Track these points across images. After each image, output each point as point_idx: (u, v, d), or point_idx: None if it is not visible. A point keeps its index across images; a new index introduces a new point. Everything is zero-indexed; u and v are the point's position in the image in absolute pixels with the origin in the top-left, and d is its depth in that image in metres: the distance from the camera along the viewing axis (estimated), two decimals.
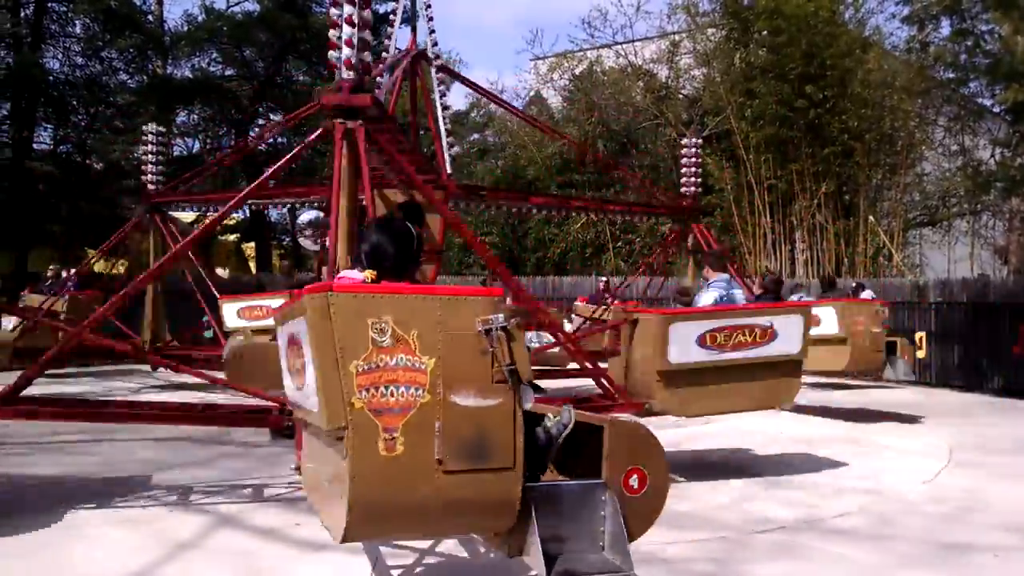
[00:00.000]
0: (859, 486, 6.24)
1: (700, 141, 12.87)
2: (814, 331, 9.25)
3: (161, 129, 13.01)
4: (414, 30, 10.27)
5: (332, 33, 6.02)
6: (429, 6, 10.39)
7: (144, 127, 13.01)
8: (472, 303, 2.98)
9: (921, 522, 5.29)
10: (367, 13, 6.03)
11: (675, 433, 8.31)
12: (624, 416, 4.67)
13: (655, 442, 3.31)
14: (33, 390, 5.71)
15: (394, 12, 10.51)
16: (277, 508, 5.36)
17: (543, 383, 10.17)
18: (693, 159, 12.38)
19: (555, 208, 13.68)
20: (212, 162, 15.53)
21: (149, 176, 12.48)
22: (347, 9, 5.95)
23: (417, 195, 9.41)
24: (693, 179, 12.31)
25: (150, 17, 23.12)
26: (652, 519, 3.35)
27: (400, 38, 10.75)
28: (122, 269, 21.67)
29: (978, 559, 4.59)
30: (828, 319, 9.34)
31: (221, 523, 5.01)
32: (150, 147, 12.57)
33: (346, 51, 5.97)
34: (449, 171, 9.83)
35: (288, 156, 7.45)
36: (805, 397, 11.63)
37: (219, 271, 23.44)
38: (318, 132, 6.45)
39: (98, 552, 4.52)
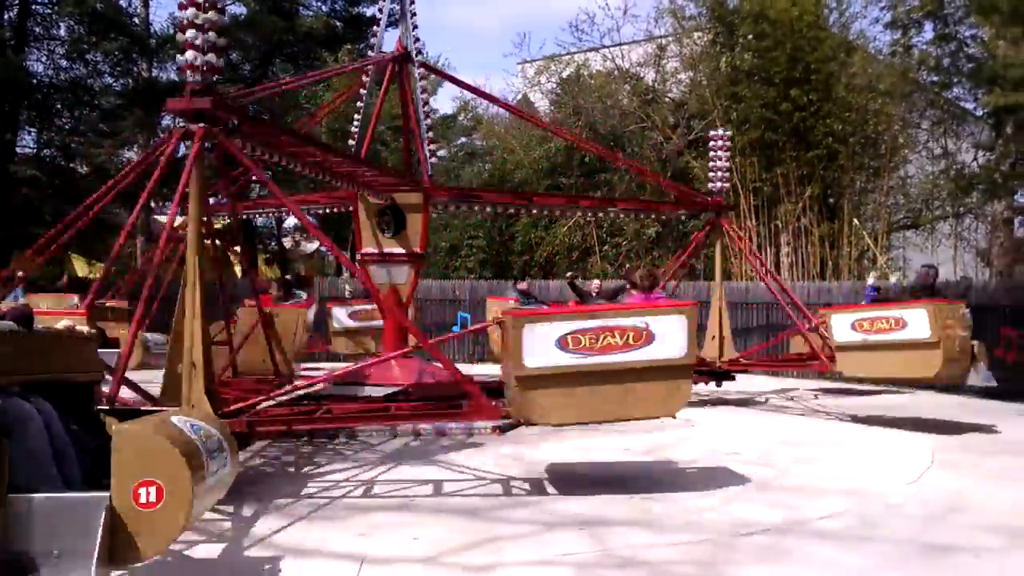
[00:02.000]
0: (843, 488, 6.27)
1: (728, 134, 12.28)
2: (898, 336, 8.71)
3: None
4: (406, 32, 10.25)
5: (179, 36, 6.03)
6: (414, 12, 10.37)
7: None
8: None
9: (905, 523, 5.31)
10: (212, 15, 6.00)
11: (657, 437, 8.33)
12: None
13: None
14: None
15: (380, 11, 10.45)
16: (261, 514, 5.34)
17: None
18: (722, 151, 11.69)
19: (560, 207, 12.63)
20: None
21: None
22: (190, 12, 5.94)
23: (398, 198, 9.44)
24: (721, 173, 11.60)
25: (135, 19, 23.01)
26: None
27: (388, 41, 10.72)
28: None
29: (961, 560, 4.62)
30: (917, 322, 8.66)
31: (203, 531, 4.98)
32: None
33: (189, 55, 5.94)
34: (430, 173, 9.77)
35: (131, 167, 7.26)
36: (787, 400, 11.71)
37: None
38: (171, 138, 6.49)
39: None
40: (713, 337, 11.28)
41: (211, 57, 5.99)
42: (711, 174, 11.69)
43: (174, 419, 3.48)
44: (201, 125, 6.01)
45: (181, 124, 6.07)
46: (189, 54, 5.92)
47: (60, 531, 3.00)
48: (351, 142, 10.14)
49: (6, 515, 2.99)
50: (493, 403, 6.31)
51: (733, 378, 11.05)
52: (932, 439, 8.35)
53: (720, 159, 11.63)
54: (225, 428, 4.01)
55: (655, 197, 18.06)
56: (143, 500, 3.05)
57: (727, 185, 11.81)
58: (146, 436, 3.12)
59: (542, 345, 5.56)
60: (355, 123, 10.09)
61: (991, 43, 14.42)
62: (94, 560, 2.91)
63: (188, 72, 5.98)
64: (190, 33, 5.91)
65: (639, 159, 20.17)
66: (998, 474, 6.85)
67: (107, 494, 3.06)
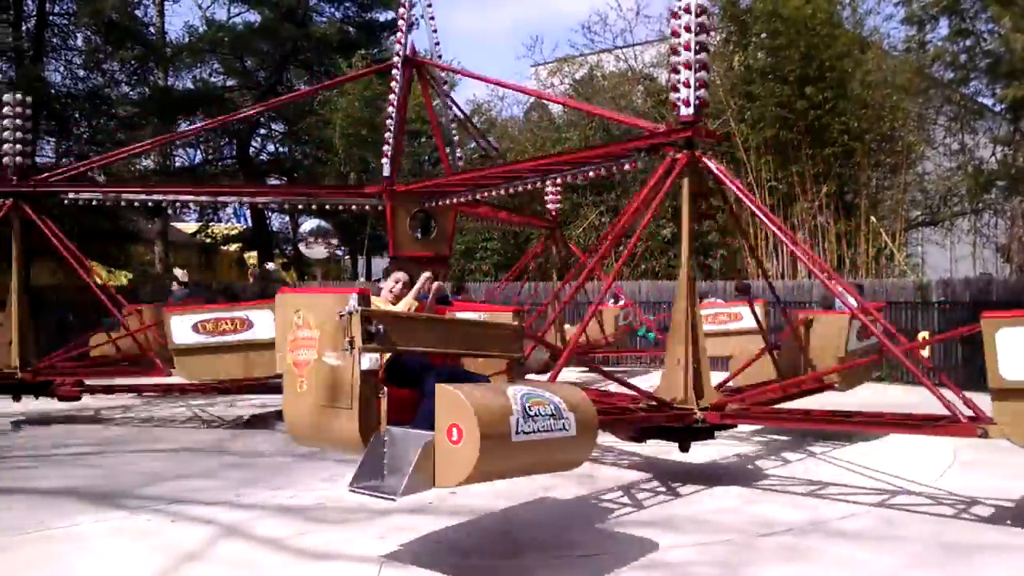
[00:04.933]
0: (864, 487, 6.22)
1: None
2: None
3: (20, 98, 10.13)
4: (403, 36, 10.32)
5: (673, 77, 6.75)
6: (431, 9, 10.43)
7: (3, 96, 10.17)
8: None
9: (927, 523, 5.27)
10: (703, 56, 6.57)
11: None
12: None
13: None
14: None
15: (396, 20, 10.54)
16: (281, 517, 5.36)
17: None
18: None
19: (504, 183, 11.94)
20: (115, 154, 12.80)
21: (7, 159, 9.86)
22: (684, 55, 6.53)
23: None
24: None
25: (151, 29, 23.28)
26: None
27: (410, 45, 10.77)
28: (124, 280, 21.77)
29: (984, 559, 4.57)
30: None
31: (226, 533, 5.01)
32: (8, 114, 9.91)
33: (683, 92, 6.56)
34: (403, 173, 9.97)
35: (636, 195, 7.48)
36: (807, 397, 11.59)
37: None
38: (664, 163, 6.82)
39: (103, 564, 4.52)
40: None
41: (703, 92, 6.68)
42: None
43: (508, 388, 4.18)
44: (687, 152, 6.75)
45: None
46: (684, 91, 6.67)
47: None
48: (386, 147, 10.16)
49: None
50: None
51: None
52: (953, 437, 8.25)
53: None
54: (584, 406, 4.46)
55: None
56: (452, 439, 3.87)
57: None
58: (451, 392, 3.93)
59: None
60: (388, 128, 10.16)
61: (1009, 36, 14.25)
62: (406, 476, 3.96)
63: (683, 107, 6.67)
64: (684, 73, 6.67)
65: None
66: (1020, 472, 6.77)
67: (433, 432, 3.96)
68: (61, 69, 21.02)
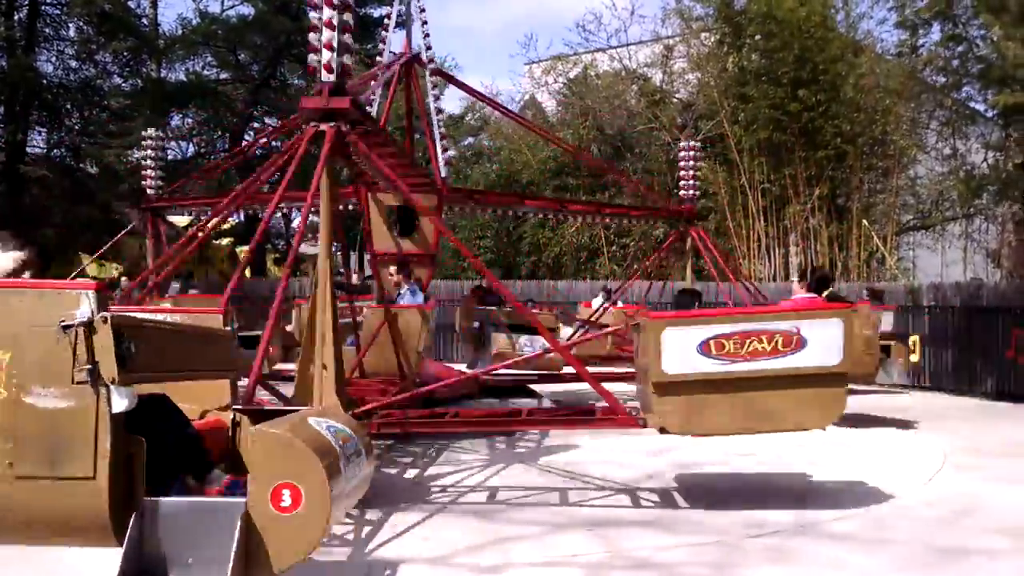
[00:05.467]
0: (854, 490, 6.24)
1: (698, 144, 12.74)
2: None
3: (160, 134, 13.04)
4: (409, 34, 10.25)
5: (312, 36, 5.84)
6: (423, 10, 10.38)
7: (144, 131, 13.11)
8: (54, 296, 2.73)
9: (917, 526, 5.28)
10: (348, 16, 5.86)
11: (666, 439, 8.29)
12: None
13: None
14: None
15: (389, 16, 10.46)
16: None
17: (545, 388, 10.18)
18: (691, 163, 12.05)
19: (552, 211, 13.62)
20: (208, 167, 15.22)
21: (149, 181, 12.42)
22: (327, 12, 5.75)
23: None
24: (692, 183, 11.98)
25: (144, 20, 23.11)
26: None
27: (395, 42, 10.71)
28: (115, 273, 21.64)
29: (973, 562, 4.59)
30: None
31: None
32: (149, 151, 12.53)
33: (326, 54, 5.77)
34: (443, 175, 9.84)
35: (274, 159, 7.35)
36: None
37: None
38: (301, 137, 6.22)
39: (90, 556, 4.48)
40: None
41: (346, 58, 5.89)
42: (681, 183, 12.03)
43: (311, 420, 3.19)
44: (334, 125, 5.88)
45: (313, 124, 5.99)
46: (326, 54, 5.77)
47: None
48: None
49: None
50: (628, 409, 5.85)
51: None
52: (944, 441, 8.30)
53: (689, 169, 11.96)
54: (363, 430, 3.68)
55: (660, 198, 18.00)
56: (282, 504, 2.79)
57: (696, 193, 12.08)
58: (283, 438, 2.83)
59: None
60: None
61: (1001, 43, 14.32)
62: (228, 569, 2.69)
63: (325, 72, 5.80)
64: (326, 33, 5.76)
65: (647, 159, 20.13)
66: (1012, 476, 6.80)
67: (243, 500, 2.83)
68: (53, 59, 20.90)
